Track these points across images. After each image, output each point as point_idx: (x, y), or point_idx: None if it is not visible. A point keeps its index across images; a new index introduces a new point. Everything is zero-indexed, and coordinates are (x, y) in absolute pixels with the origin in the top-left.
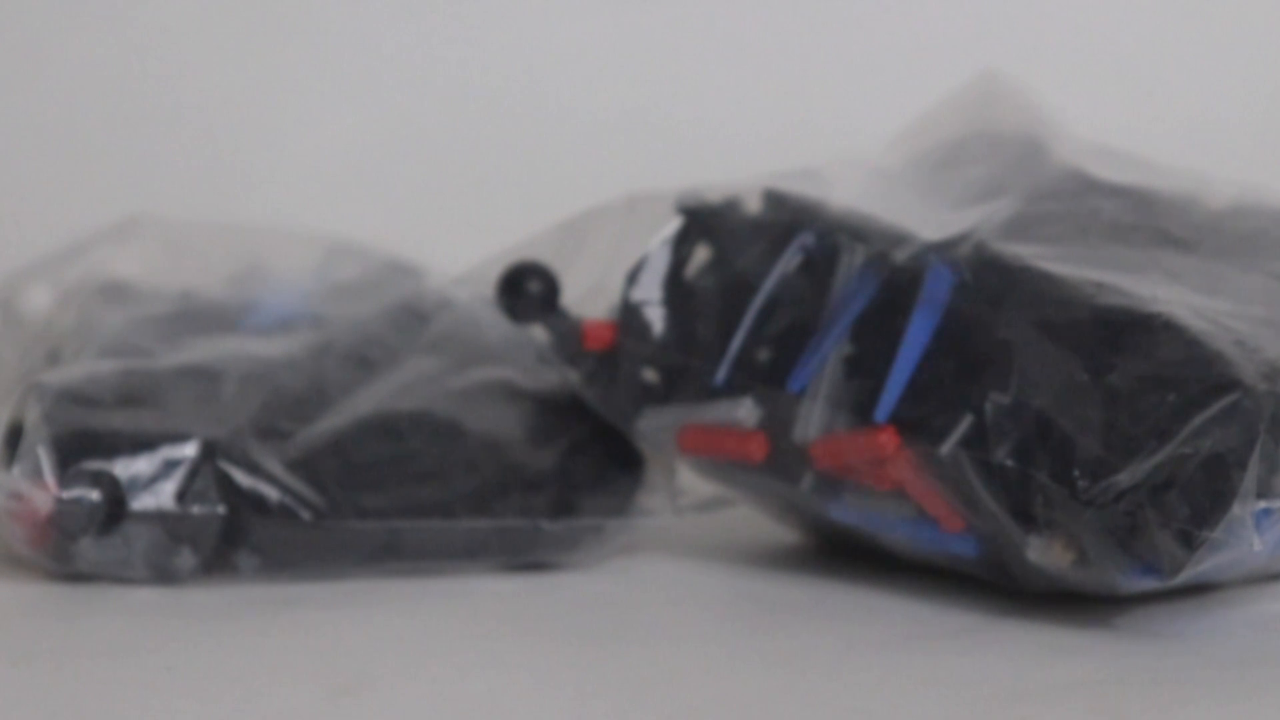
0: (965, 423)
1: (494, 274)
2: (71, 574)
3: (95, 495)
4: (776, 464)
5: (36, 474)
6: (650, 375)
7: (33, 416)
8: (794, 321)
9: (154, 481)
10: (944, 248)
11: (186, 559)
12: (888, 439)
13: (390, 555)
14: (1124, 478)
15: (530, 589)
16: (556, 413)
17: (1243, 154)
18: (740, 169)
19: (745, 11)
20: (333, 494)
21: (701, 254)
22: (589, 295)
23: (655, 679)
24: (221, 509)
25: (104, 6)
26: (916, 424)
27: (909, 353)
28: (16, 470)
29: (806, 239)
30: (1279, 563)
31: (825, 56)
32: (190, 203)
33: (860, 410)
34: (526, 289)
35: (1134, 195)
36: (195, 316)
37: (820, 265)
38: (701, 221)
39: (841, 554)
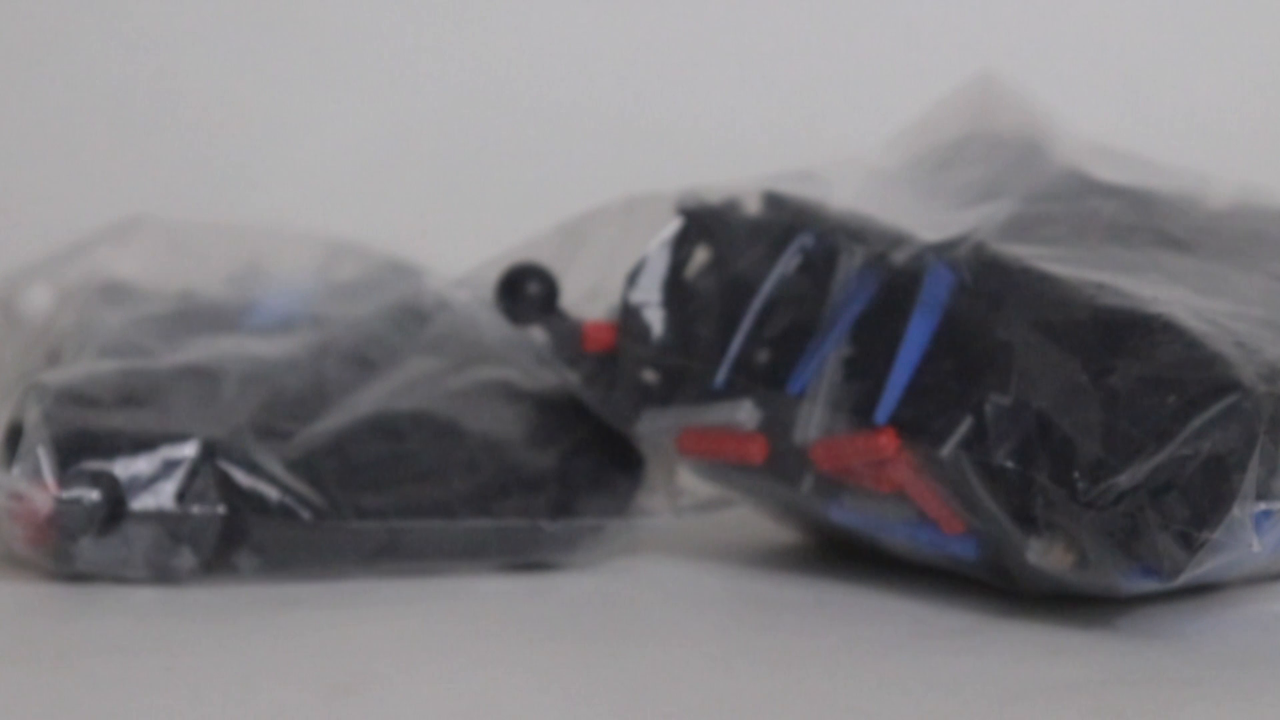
0: (965, 424)
1: (493, 276)
2: (71, 574)
3: (95, 495)
4: (776, 466)
5: (36, 474)
6: (650, 377)
7: (33, 416)
8: (793, 323)
9: (154, 481)
10: (943, 249)
11: (186, 559)
12: (888, 441)
13: (390, 555)
14: (1124, 479)
15: (530, 589)
16: (556, 413)
17: (1243, 154)
18: (740, 170)
19: (745, 12)
20: (333, 494)
21: (701, 255)
22: (588, 297)
23: (655, 679)
24: (221, 509)
25: (104, 7)
26: (916, 426)
27: (909, 354)
28: (16, 470)
29: (806, 240)
30: (1279, 563)
31: (825, 57)
32: (190, 203)
33: (860, 412)
34: (526, 291)
35: (1133, 196)
36: (195, 316)
37: (819, 267)
38: (701, 223)
39: (841, 554)
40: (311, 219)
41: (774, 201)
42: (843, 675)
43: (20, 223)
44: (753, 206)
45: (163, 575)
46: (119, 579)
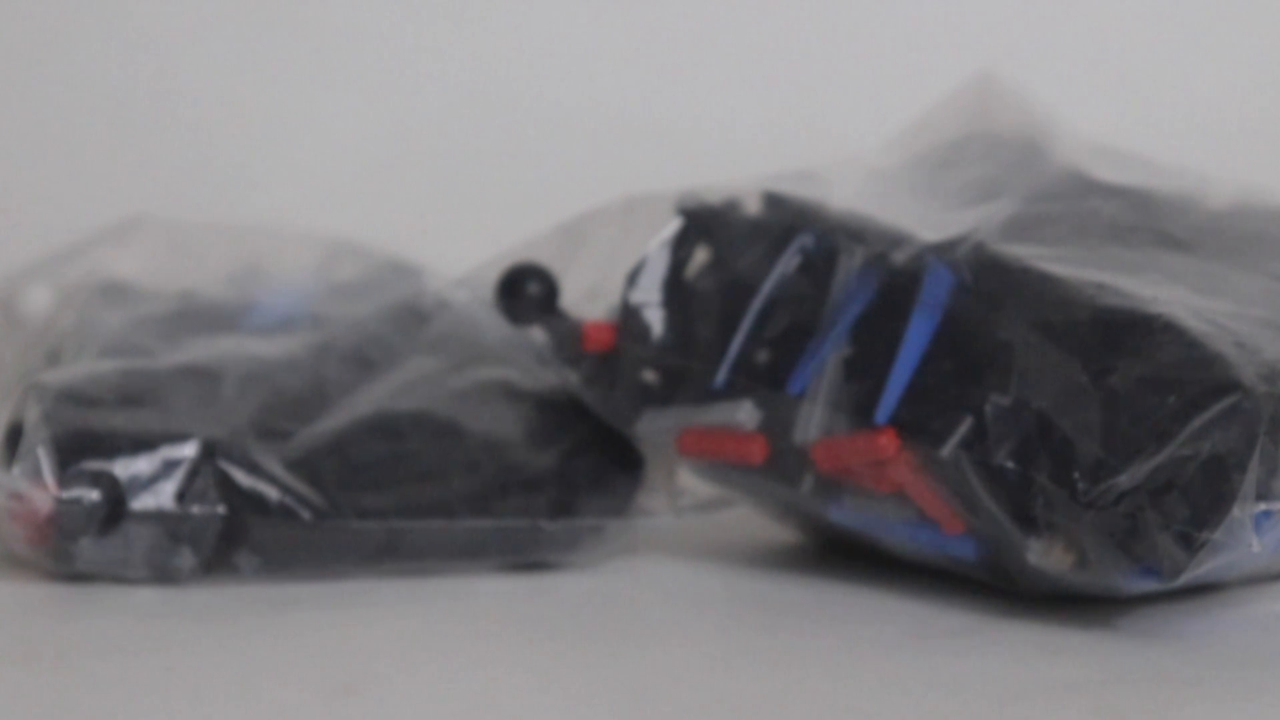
0: (965, 424)
1: (493, 276)
2: (71, 574)
3: (95, 495)
4: (776, 466)
5: (36, 474)
6: (650, 377)
7: (33, 416)
8: (793, 323)
9: (154, 481)
10: (943, 249)
11: (186, 559)
12: (888, 441)
13: (390, 555)
14: (1124, 480)
15: (530, 589)
16: (556, 413)
17: (1243, 154)
18: (739, 170)
19: (745, 12)
20: (333, 494)
21: (701, 255)
22: (588, 297)
23: (655, 679)
24: (221, 509)
25: (104, 7)
26: (917, 426)
27: (909, 354)
28: (16, 470)
29: (805, 240)
30: (1279, 563)
31: (825, 57)
32: (190, 203)
33: (860, 412)
34: (526, 291)
35: (1133, 196)
36: (195, 316)
37: (819, 267)
38: (701, 223)
39: (841, 554)
40: (311, 219)
41: (774, 201)
42: (843, 675)
43: (20, 223)
44: (753, 206)
45: (163, 575)
46: (119, 579)
